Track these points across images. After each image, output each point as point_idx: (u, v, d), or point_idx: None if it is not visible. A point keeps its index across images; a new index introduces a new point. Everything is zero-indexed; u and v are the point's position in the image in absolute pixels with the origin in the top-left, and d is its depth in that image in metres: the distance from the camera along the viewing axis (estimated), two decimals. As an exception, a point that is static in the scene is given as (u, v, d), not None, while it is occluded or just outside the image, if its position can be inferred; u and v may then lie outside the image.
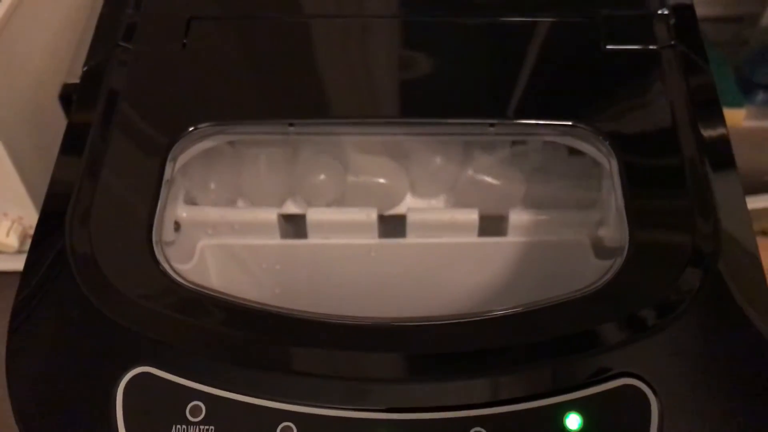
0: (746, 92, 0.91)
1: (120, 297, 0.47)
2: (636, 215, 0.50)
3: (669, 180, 0.52)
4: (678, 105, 0.55)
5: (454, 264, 0.62)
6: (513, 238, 0.61)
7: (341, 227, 0.61)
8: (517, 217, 0.61)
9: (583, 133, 0.54)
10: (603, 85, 0.57)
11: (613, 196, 0.54)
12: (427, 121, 0.56)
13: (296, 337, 0.46)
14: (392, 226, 0.62)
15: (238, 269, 0.63)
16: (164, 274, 0.48)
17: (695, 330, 0.45)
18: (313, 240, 0.62)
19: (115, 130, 0.54)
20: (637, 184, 0.51)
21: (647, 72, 0.57)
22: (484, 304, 0.63)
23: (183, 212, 0.61)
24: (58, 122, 0.76)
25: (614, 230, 0.57)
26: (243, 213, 0.62)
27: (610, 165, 0.53)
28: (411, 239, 0.62)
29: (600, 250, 0.60)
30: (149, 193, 0.51)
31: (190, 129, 0.54)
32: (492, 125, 0.55)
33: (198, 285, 0.48)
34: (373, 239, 0.62)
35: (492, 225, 0.62)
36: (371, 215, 0.61)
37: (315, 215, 0.61)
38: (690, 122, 0.54)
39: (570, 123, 0.55)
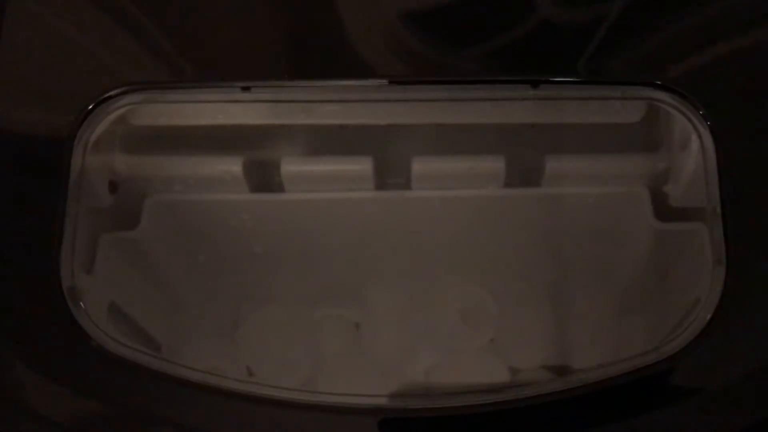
0: None
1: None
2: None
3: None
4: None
5: (471, 223, 0.49)
6: (548, 190, 0.47)
7: (327, 179, 0.47)
8: (556, 163, 0.46)
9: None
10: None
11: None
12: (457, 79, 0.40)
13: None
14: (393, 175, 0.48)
15: (198, 232, 0.50)
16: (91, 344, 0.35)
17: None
18: (291, 195, 0.48)
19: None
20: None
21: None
22: (508, 272, 0.50)
23: (121, 165, 0.47)
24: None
25: (687, 186, 0.43)
26: (201, 163, 0.48)
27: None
28: (417, 191, 0.48)
29: (662, 209, 0.46)
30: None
31: (100, 98, 0.39)
32: (535, 85, 0.39)
33: (137, 350, 0.36)
34: (368, 192, 0.48)
35: (521, 173, 0.47)
36: (365, 165, 0.47)
37: (291, 165, 0.47)
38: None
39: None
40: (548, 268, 0.51)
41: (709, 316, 0.35)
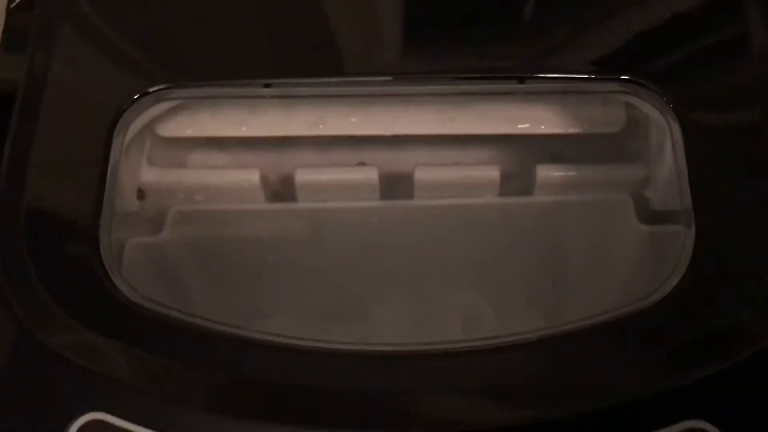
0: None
1: (63, 323, 0.38)
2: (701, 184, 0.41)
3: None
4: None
5: (470, 229, 0.53)
6: (540, 198, 0.51)
7: (336, 188, 0.51)
8: (546, 172, 0.51)
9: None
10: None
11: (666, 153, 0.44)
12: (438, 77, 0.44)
13: (282, 374, 0.37)
14: (397, 185, 0.52)
15: (219, 239, 0.54)
16: (118, 294, 0.39)
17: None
18: (303, 204, 0.52)
19: (48, 96, 0.44)
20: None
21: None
22: (505, 279, 0.54)
23: (148, 175, 0.51)
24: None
25: (665, 192, 0.47)
26: (221, 174, 0.52)
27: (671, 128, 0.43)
28: (419, 201, 0.52)
29: (644, 212, 0.50)
30: (92, 185, 0.41)
31: (137, 96, 0.43)
32: (522, 81, 0.44)
33: (160, 304, 0.39)
34: (374, 201, 0.52)
35: (515, 182, 0.52)
36: (371, 174, 0.51)
37: (305, 175, 0.51)
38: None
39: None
40: (545, 275, 0.54)
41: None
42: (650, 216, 0.50)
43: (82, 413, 0.36)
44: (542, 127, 0.50)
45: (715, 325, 0.37)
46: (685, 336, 0.37)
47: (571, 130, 0.49)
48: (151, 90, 0.43)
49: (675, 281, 0.38)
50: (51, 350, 0.37)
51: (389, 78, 0.44)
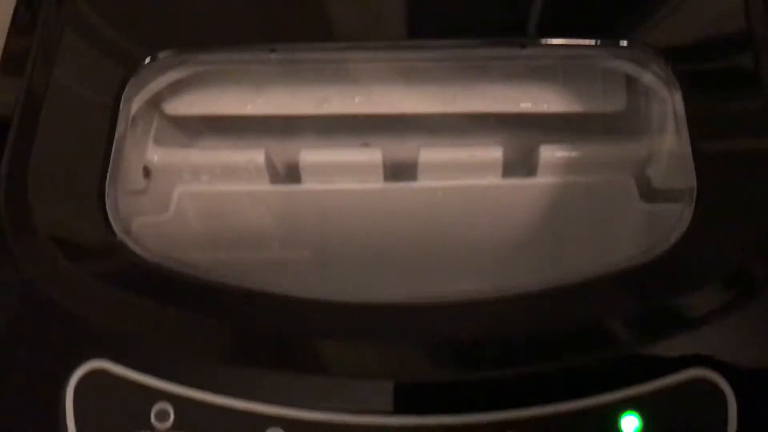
0: None
1: (67, 273, 0.38)
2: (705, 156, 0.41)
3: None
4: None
5: (473, 211, 0.53)
6: (544, 179, 0.52)
7: (340, 170, 0.52)
8: (549, 153, 0.51)
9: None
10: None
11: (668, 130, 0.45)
12: (441, 43, 0.45)
13: (285, 324, 0.37)
14: (400, 167, 0.53)
15: (224, 219, 0.54)
16: (121, 245, 0.39)
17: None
18: (308, 185, 0.52)
19: (58, 60, 0.44)
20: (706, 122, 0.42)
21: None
22: (510, 258, 0.54)
23: (154, 155, 0.51)
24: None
25: (667, 170, 0.48)
26: (226, 154, 0.52)
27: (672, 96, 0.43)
28: (423, 182, 0.52)
29: (647, 192, 0.50)
30: (101, 141, 0.41)
31: (147, 60, 0.44)
32: (523, 46, 0.44)
33: (163, 256, 0.39)
34: (378, 183, 0.52)
35: (519, 164, 0.52)
36: (375, 155, 0.51)
37: (309, 156, 0.51)
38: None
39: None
40: (547, 253, 0.54)
41: None
42: (653, 194, 0.50)
43: (84, 361, 0.36)
44: (545, 105, 0.50)
45: (716, 275, 0.37)
46: (687, 286, 0.37)
47: (573, 109, 0.50)
48: (157, 57, 0.44)
49: (677, 236, 0.38)
50: (53, 300, 0.37)
51: (392, 43, 0.45)
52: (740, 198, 0.39)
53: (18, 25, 0.46)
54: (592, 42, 0.44)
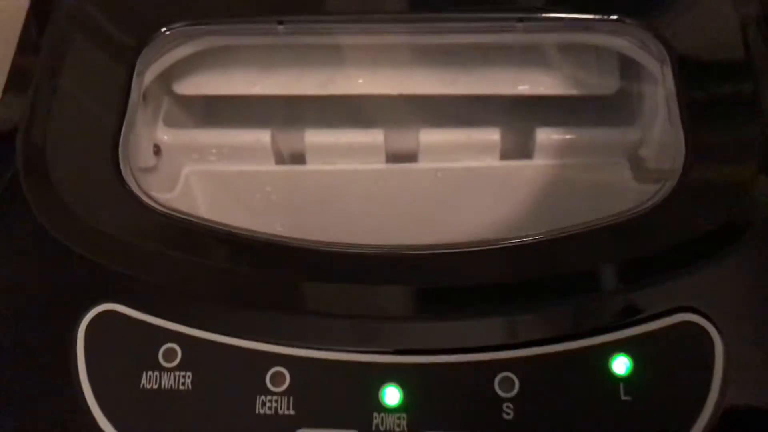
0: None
1: (79, 224, 0.40)
2: (694, 134, 0.42)
3: (736, 95, 0.44)
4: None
5: (472, 191, 0.55)
6: (540, 161, 0.53)
7: (344, 151, 0.54)
8: (545, 136, 0.53)
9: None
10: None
11: (659, 109, 0.46)
12: (442, 16, 0.47)
13: (288, 268, 0.39)
14: (402, 149, 0.54)
15: (229, 199, 0.56)
16: (131, 195, 0.41)
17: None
18: (312, 166, 0.54)
19: (73, 34, 0.46)
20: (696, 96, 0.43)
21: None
22: (507, 237, 0.55)
23: (164, 135, 0.53)
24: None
25: (659, 150, 0.49)
26: (232, 134, 0.54)
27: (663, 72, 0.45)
28: (423, 164, 0.54)
29: (640, 172, 0.52)
30: (114, 110, 0.43)
31: (157, 32, 0.46)
32: (520, 20, 0.46)
33: (169, 208, 0.41)
34: (380, 164, 0.54)
35: (516, 146, 0.54)
36: (377, 137, 0.53)
37: (314, 137, 0.53)
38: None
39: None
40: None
41: None
42: (646, 174, 0.52)
43: (96, 304, 0.38)
44: (541, 88, 0.52)
45: (704, 224, 0.39)
46: (676, 234, 0.38)
47: (569, 92, 0.52)
48: (172, 27, 0.46)
49: (667, 191, 0.40)
50: (63, 244, 0.39)
51: (395, 16, 0.47)
52: (728, 149, 0.41)
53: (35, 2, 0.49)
54: (590, 16, 0.46)
